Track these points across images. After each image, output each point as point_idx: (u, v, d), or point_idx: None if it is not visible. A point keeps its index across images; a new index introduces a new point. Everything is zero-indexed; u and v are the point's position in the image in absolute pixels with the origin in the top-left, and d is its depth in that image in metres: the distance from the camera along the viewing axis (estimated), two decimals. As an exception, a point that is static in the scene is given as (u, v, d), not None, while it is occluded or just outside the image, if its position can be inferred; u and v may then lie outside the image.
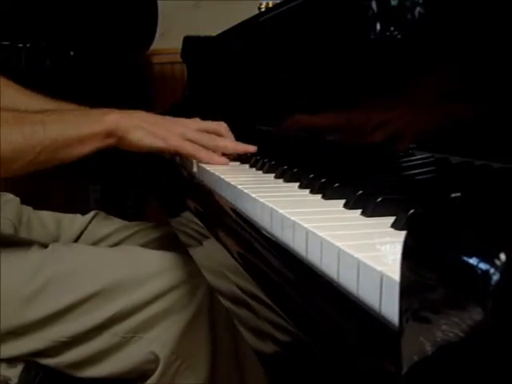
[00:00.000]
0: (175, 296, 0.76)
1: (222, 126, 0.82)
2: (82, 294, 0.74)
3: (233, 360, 0.79)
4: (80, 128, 0.73)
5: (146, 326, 0.75)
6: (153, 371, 0.75)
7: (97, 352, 0.75)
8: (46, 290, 0.73)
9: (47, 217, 1.03)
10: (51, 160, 0.72)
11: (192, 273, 0.78)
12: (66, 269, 0.76)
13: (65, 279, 0.75)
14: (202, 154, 0.78)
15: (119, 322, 0.74)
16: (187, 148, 0.77)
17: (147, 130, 0.75)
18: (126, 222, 1.08)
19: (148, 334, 0.75)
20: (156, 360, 0.75)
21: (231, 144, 0.81)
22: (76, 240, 1.02)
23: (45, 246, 0.80)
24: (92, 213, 1.07)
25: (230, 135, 0.83)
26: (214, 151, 0.80)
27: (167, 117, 0.87)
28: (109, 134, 0.74)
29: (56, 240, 1.00)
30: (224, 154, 0.82)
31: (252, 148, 0.81)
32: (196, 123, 0.81)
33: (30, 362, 0.76)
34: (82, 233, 1.03)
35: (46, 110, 0.76)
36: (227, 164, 0.79)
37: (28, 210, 1.03)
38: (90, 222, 1.04)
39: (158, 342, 0.75)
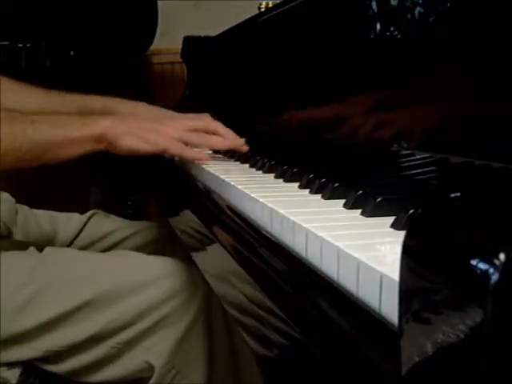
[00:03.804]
0: (172, 305, 0.74)
1: (216, 126, 0.85)
2: (75, 303, 0.72)
3: (230, 368, 0.78)
4: (69, 130, 0.75)
5: (141, 336, 0.73)
6: (147, 379, 0.74)
7: (91, 362, 0.73)
8: (38, 298, 0.72)
9: (43, 216, 1.02)
10: (38, 159, 0.74)
11: (189, 279, 0.77)
12: (59, 276, 0.75)
13: (57, 287, 0.73)
14: (188, 153, 0.81)
15: (114, 331, 0.73)
16: (174, 149, 0.80)
17: (137, 135, 0.78)
18: (126, 221, 1.07)
19: (143, 344, 0.73)
20: (150, 369, 0.74)
21: (216, 140, 0.84)
22: (74, 239, 1.01)
23: (40, 247, 0.79)
24: (90, 212, 1.05)
25: (225, 131, 0.85)
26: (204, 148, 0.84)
27: (164, 111, 0.95)
28: (99, 139, 0.76)
29: (53, 239, 0.99)
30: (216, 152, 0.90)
31: (243, 147, 0.85)
32: (184, 123, 0.84)
33: (28, 364, 0.75)
34: (79, 232, 1.02)
35: (40, 113, 0.79)
36: (209, 160, 0.83)
37: (23, 208, 1.01)
38: (87, 221, 1.03)
39: (152, 351, 0.73)
